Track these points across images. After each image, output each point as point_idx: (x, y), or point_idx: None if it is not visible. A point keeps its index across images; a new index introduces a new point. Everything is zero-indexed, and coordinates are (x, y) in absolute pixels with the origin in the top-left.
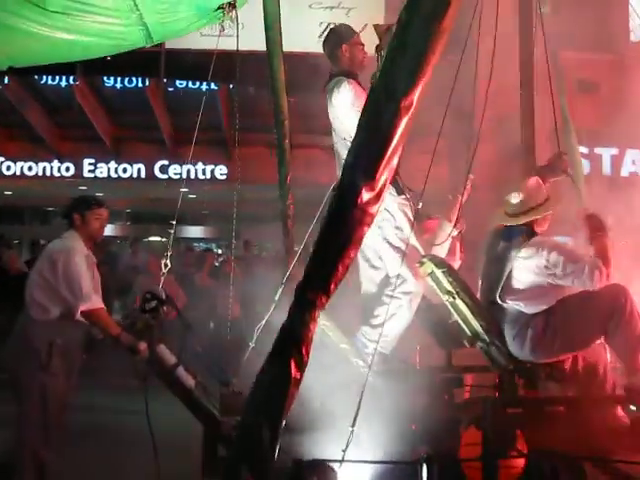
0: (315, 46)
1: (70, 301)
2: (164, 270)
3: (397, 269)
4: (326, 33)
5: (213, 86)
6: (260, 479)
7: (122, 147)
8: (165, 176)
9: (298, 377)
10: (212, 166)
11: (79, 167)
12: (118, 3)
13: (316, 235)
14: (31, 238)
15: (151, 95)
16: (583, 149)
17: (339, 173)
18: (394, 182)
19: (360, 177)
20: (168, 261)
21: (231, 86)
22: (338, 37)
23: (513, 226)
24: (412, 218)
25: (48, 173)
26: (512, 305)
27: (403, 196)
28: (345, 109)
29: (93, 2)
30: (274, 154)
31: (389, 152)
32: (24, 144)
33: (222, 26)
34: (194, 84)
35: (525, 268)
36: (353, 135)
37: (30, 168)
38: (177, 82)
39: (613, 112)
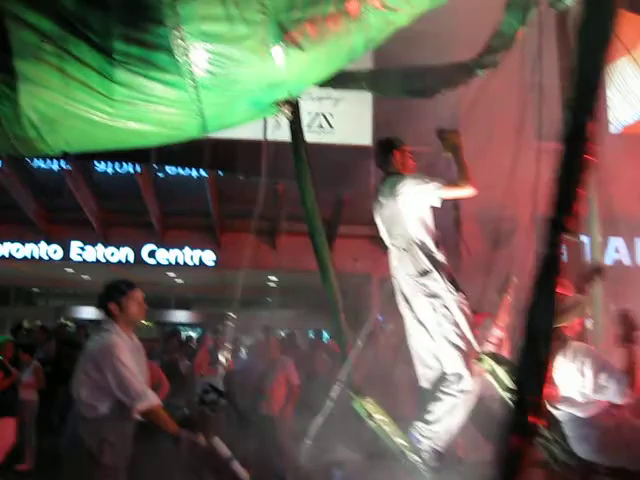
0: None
1: (125, 402)
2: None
3: (455, 367)
4: (378, 140)
5: (202, 173)
6: None
7: (111, 231)
8: (153, 261)
9: None
10: (200, 251)
11: (67, 250)
12: (181, 95)
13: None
14: (15, 318)
15: (141, 181)
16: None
17: (394, 264)
18: (452, 280)
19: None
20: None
21: (220, 173)
22: (389, 144)
23: None
24: (470, 315)
25: (36, 255)
26: (565, 410)
27: (461, 294)
28: (408, 204)
29: (157, 93)
30: (262, 240)
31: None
32: (13, 226)
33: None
34: (184, 170)
35: (563, 376)
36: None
37: (18, 250)
38: (167, 168)
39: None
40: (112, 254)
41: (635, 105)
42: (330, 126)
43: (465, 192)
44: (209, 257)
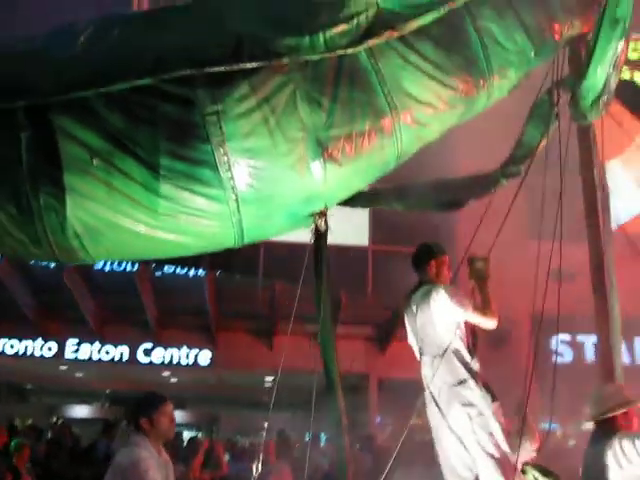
0: (293, 236)
1: None
2: None
3: (490, 476)
4: (419, 246)
5: (201, 272)
6: None
7: (107, 329)
8: (148, 359)
9: None
10: (196, 350)
11: (62, 347)
12: (222, 208)
13: None
14: (7, 415)
15: (139, 279)
16: (565, 336)
17: (425, 373)
18: (488, 388)
19: None
20: None
21: (218, 273)
22: (429, 252)
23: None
24: (504, 424)
25: (30, 352)
26: None
27: (497, 403)
28: (442, 313)
29: (200, 207)
30: (260, 340)
31: None
32: (9, 322)
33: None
34: (182, 269)
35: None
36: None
37: (12, 346)
38: (165, 266)
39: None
40: (107, 352)
41: (628, 205)
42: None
43: (490, 323)
44: (205, 356)
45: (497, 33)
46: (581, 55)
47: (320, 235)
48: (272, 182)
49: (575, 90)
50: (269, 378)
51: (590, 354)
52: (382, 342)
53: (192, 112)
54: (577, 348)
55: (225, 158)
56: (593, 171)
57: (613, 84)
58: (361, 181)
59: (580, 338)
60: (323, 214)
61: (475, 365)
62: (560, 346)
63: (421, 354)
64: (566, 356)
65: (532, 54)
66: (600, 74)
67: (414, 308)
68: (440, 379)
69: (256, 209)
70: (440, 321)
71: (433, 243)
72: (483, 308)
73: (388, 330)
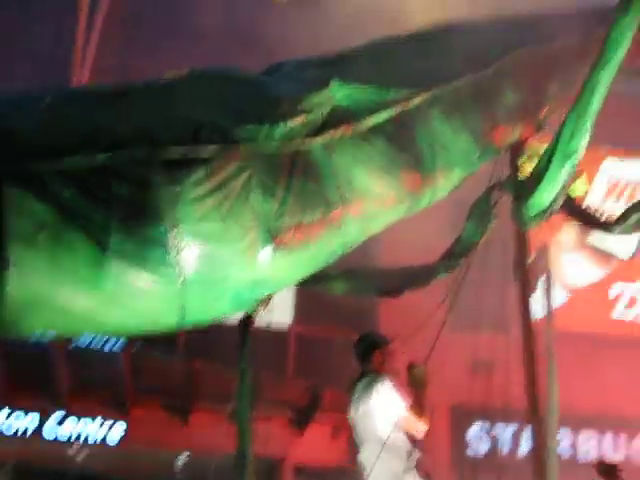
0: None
1: None
2: None
3: None
4: (362, 335)
5: (118, 345)
6: None
7: (15, 397)
8: (55, 433)
9: None
10: (109, 424)
11: None
12: (168, 290)
13: None
14: None
15: (53, 349)
16: (484, 426)
17: (365, 462)
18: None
19: None
20: None
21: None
22: (373, 342)
23: None
24: None
25: None
26: None
27: None
28: (384, 405)
29: (145, 287)
30: (175, 417)
31: None
32: None
33: None
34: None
35: None
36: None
37: None
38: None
39: (510, 389)
40: (16, 420)
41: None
42: None
43: (421, 429)
44: (117, 431)
45: (444, 134)
46: (517, 158)
47: (250, 315)
48: (221, 267)
49: (514, 194)
50: (183, 457)
51: (506, 444)
52: (300, 425)
53: (148, 192)
54: (494, 438)
55: (176, 240)
56: (525, 266)
57: (559, 203)
58: (308, 269)
59: (498, 428)
60: (268, 299)
61: (416, 455)
62: (477, 436)
63: (360, 442)
64: (483, 446)
65: (476, 156)
66: (547, 197)
67: (357, 397)
68: (380, 469)
69: (202, 293)
70: (382, 412)
71: (376, 333)
72: (418, 414)
73: (307, 413)
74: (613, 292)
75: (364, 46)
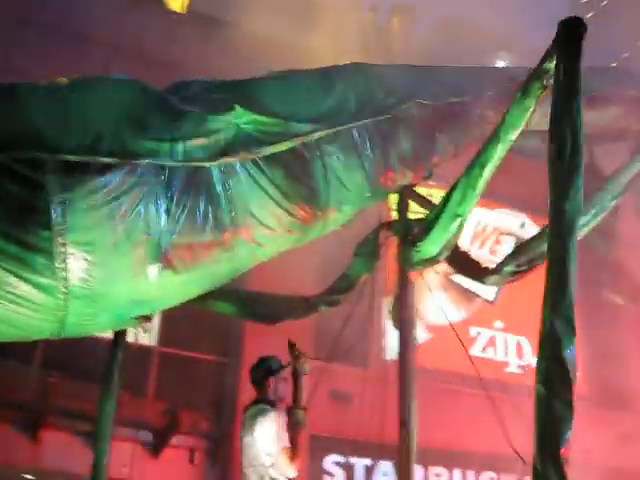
0: None
1: None
2: None
3: None
4: (259, 360)
5: None
6: None
7: None
8: None
9: None
10: None
11: None
12: (49, 300)
13: None
14: None
15: None
16: (338, 458)
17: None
18: None
19: None
20: None
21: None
22: (268, 368)
23: None
24: None
25: None
26: None
27: None
28: (266, 437)
29: (25, 295)
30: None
31: None
32: None
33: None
34: None
35: None
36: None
37: None
38: None
39: (366, 422)
40: None
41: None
42: None
43: (291, 471)
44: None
45: (340, 171)
46: (407, 203)
47: (121, 332)
48: (106, 280)
49: (402, 237)
50: (30, 476)
51: (360, 476)
52: (157, 448)
53: (38, 196)
54: (348, 469)
55: (63, 248)
56: (407, 303)
57: (445, 255)
58: (195, 290)
59: (352, 460)
60: (149, 318)
61: None
62: (332, 467)
63: (244, 467)
64: (337, 478)
65: (368, 195)
66: (433, 248)
67: (245, 424)
68: None
69: (84, 306)
70: (263, 444)
71: (272, 358)
72: (290, 457)
73: (164, 436)
74: (473, 332)
75: (271, 75)
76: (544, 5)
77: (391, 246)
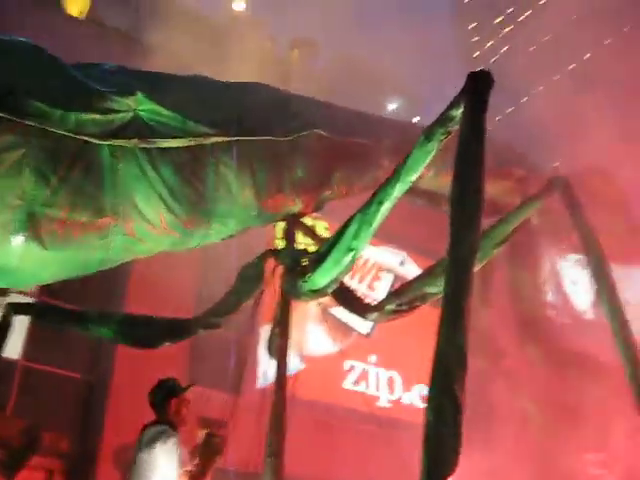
0: None
1: None
2: None
3: None
4: (160, 382)
5: None
6: None
7: None
8: None
9: None
10: None
11: None
12: None
13: None
14: None
15: None
16: None
17: None
18: None
19: None
20: None
21: None
22: (171, 389)
23: None
24: None
25: None
26: None
27: None
28: (164, 461)
29: None
30: None
31: None
32: None
33: None
34: None
35: None
36: None
37: None
38: None
39: (235, 450)
40: None
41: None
42: None
43: None
44: None
45: (231, 182)
46: (294, 232)
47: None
48: None
49: (289, 266)
50: None
51: None
52: (12, 469)
53: None
54: None
55: None
56: (286, 333)
57: (333, 288)
58: (60, 272)
59: None
60: (4, 292)
61: None
62: None
63: None
64: None
65: (254, 214)
66: (323, 280)
67: (139, 445)
68: None
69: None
70: (157, 468)
71: (173, 379)
72: (195, 478)
73: (21, 455)
74: (346, 365)
75: (181, 75)
76: (438, 60)
77: (275, 274)
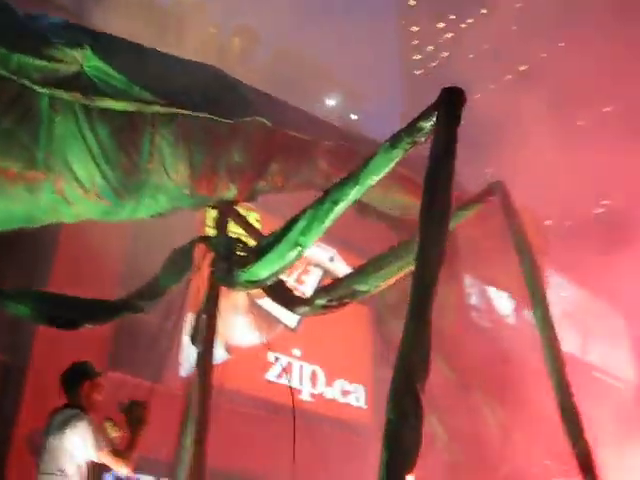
0: None
1: None
2: None
3: None
4: (73, 365)
5: None
6: None
7: None
8: None
9: None
10: None
11: None
12: None
13: None
14: None
15: None
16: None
17: None
18: None
19: None
20: None
21: None
22: (84, 372)
23: None
24: None
25: None
26: None
27: None
28: (75, 445)
29: None
30: None
31: None
32: None
33: None
34: None
35: None
36: None
37: None
38: None
39: (153, 438)
40: None
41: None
42: None
43: (123, 469)
44: None
45: (167, 156)
46: (227, 221)
47: None
48: None
49: (223, 255)
50: None
51: None
52: None
53: None
54: None
55: None
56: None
57: (272, 281)
58: None
59: (135, 477)
60: None
61: None
62: None
63: (40, 472)
64: None
65: (187, 193)
66: (263, 273)
67: (49, 428)
68: None
69: None
70: (69, 450)
71: (87, 363)
72: (126, 452)
73: None
74: (271, 357)
75: (134, 42)
76: (378, 60)
77: (205, 261)
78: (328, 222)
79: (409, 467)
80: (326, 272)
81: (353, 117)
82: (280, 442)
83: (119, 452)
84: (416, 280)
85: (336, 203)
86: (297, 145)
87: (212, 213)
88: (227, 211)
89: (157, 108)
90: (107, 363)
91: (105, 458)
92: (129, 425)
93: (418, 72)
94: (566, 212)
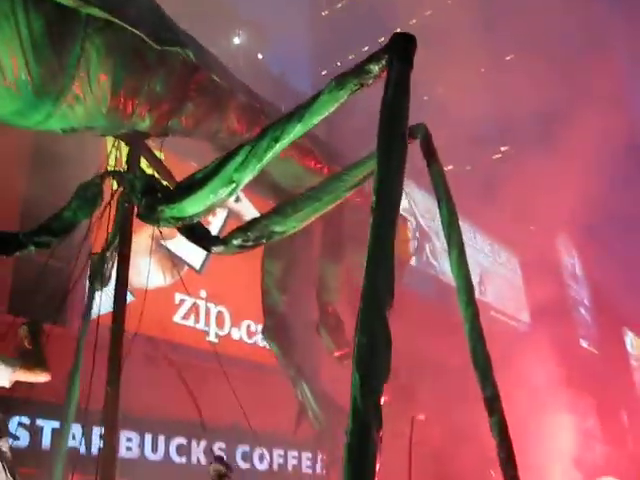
0: None
1: None
2: None
3: None
4: None
5: None
6: None
7: None
8: None
9: None
10: None
11: None
12: None
13: None
14: None
15: None
16: (25, 420)
17: None
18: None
19: None
20: None
21: None
22: None
23: None
24: None
25: None
26: None
27: None
28: None
29: None
30: None
31: None
32: None
33: None
34: None
35: None
36: None
37: None
38: None
39: (57, 383)
40: None
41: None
42: None
43: (42, 378)
44: None
45: (92, 64)
46: (139, 156)
47: None
48: None
49: (144, 189)
50: None
51: (48, 440)
52: None
53: None
54: (36, 433)
55: None
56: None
57: (197, 219)
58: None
59: (40, 423)
60: None
61: (4, 446)
62: (17, 430)
63: None
64: (23, 441)
65: (104, 111)
66: (190, 210)
67: None
68: None
69: None
70: None
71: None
72: (35, 366)
73: None
74: (177, 299)
75: None
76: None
77: (114, 197)
78: (266, 160)
79: (380, 390)
80: (231, 212)
81: (259, 56)
82: (188, 385)
83: (32, 365)
84: (376, 211)
85: (277, 140)
86: (214, 90)
87: (115, 152)
88: (139, 146)
89: (96, 11)
90: (6, 307)
91: (22, 375)
92: (32, 343)
93: (324, 13)
94: (466, 157)
